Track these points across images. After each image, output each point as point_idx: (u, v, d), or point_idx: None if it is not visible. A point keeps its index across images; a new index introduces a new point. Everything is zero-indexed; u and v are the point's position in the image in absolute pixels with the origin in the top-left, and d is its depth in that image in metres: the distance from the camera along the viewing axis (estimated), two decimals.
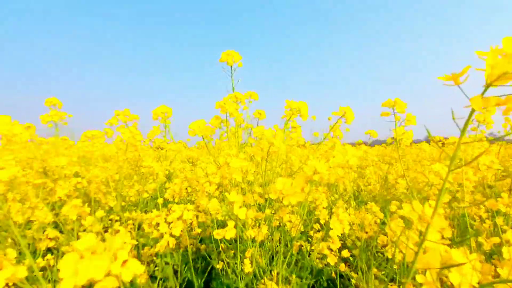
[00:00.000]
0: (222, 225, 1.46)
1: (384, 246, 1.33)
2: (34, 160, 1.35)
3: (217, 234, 0.92)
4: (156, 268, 1.38)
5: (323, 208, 1.17)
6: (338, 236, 1.19)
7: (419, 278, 0.66)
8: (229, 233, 0.89)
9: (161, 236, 1.01)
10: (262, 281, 1.03)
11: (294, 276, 1.07)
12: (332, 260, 1.09)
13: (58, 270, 0.49)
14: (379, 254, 1.39)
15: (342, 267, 1.14)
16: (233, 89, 1.46)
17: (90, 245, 0.48)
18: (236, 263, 1.12)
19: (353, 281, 1.32)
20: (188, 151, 3.85)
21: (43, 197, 1.28)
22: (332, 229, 0.92)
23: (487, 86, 0.48)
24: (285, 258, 1.05)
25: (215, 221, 1.27)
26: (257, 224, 1.03)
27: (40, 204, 1.22)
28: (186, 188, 1.51)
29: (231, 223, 0.91)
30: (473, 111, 0.52)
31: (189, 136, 1.09)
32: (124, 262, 0.49)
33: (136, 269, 0.50)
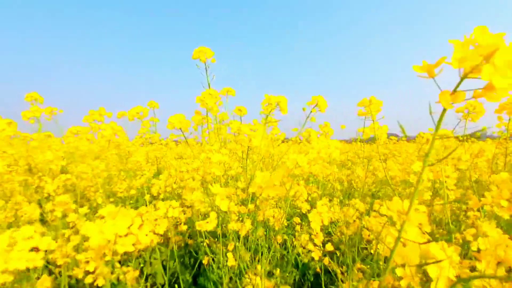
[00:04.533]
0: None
1: (369, 241, 1.36)
2: (20, 157, 1.34)
3: (199, 225, 0.94)
4: (144, 264, 1.39)
5: (305, 200, 1.18)
6: (322, 230, 1.22)
7: (399, 272, 0.68)
8: (211, 224, 0.91)
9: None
10: (246, 275, 1.05)
11: (278, 270, 1.09)
12: (316, 254, 1.11)
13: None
14: (363, 250, 1.42)
15: (326, 261, 1.16)
16: (209, 85, 1.46)
17: (112, 211, 0.60)
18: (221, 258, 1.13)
19: (340, 276, 1.34)
20: (178, 148, 3.85)
21: (30, 195, 1.28)
22: (311, 221, 0.94)
23: (462, 79, 0.43)
24: (268, 252, 1.07)
25: (200, 217, 1.29)
26: (241, 219, 1.04)
27: (30, 201, 1.22)
28: (173, 183, 1.51)
29: (213, 214, 0.92)
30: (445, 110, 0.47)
31: (179, 132, 1.10)
32: (140, 225, 0.61)
33: (148, 232, 0.62)
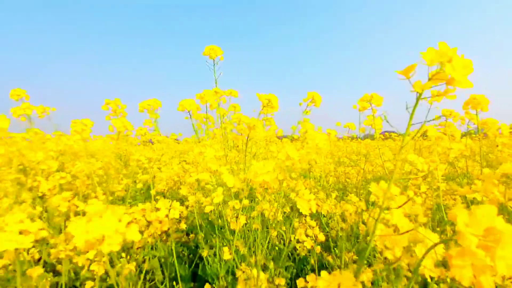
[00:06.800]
0: (206, 217, 1.49)
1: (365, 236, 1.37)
2: (13, 156, 1.33)
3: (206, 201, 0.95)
4: (143, 260, 1.40)
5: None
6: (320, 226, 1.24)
7: (388, 254, 0.73)
8: (217, 198, 0.95)
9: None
10: (241, 267, 1.07)
11: (272, 263, 1.11)
12: (308, 244, 1.15)
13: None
14: (358, 242, 1.44)
15: (318, 249, 1.20)
16: (215, 81, 1.54)
17: (98, 210, 0.57)
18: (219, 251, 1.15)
19: (335, 267, 1.37)
20: (178, 145, 3.86)
21: (24, 194, 1.28)
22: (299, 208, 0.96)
23: (429, 80, 0.57)
24: (263, 245, 1.08)
25: (198, 217, 1.29)
26: (236, 215, 1.06)
27: (28, 200, 1.22)
28: (173, 179, 1.51)
29: (219, 190, 0.96)
30: (419, 96, 0.60)
31: (179, 131, 1.12)
32: (128, 223, 0.59)
33: (137, 230, 0.60)
